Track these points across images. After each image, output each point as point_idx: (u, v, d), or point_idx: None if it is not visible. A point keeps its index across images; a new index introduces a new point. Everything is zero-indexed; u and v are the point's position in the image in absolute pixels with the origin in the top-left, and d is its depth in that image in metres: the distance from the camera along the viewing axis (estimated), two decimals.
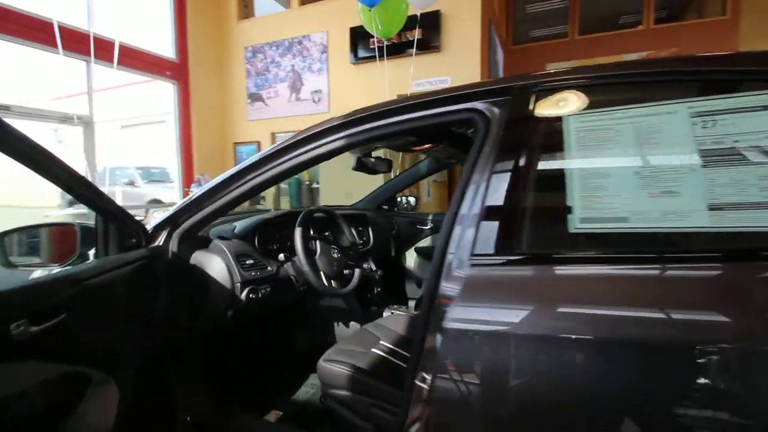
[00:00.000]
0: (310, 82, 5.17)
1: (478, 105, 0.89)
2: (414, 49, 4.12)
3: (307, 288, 1.49)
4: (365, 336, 1.43)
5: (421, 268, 2.37)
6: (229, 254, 1.27)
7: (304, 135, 1.10)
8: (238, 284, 1.25)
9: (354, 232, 1.78)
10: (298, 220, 1.47)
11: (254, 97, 5.55)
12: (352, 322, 1.84)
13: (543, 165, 0.81)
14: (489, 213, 0.77)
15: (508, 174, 0.79)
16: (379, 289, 1.90)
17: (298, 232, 1.43)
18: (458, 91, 0.93)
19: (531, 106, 0.82)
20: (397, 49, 4.43)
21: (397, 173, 2.43)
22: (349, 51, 4.85)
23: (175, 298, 1.15)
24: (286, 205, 5.20)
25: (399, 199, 2.49)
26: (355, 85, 4.87)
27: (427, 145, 1.57)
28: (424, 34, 4.34)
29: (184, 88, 5.28)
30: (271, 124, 5.45)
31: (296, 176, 4.98)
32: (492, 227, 0.77)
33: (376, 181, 4.95)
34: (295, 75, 5.26)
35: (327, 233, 1.65)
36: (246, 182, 1.14)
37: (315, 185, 4.89)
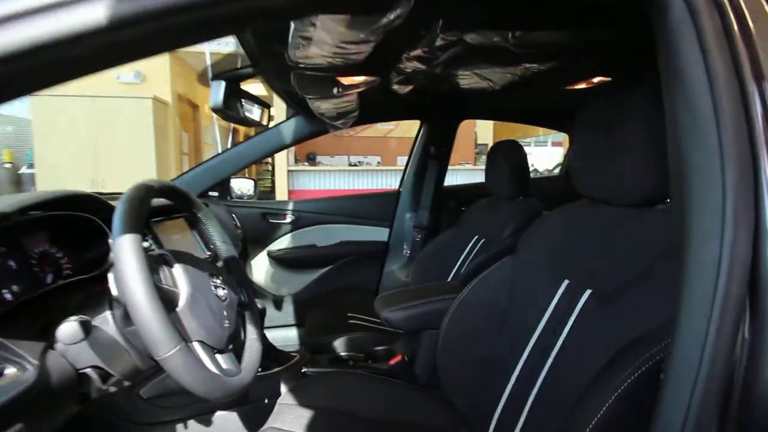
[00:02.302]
0: None
1: None
2: None
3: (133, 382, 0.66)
4: None
5: (275, 280, 1.68)
6: None
7: None
8: None
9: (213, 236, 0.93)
10: (118, 215, 0.54)
11: None
12: (219, 413, 1.01)
13: None
14: None
15: None
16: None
17: (128, 250, 0.51)
18: None
19: None
20: None
21: (228, 145, 1.63)
22: None
23: None
24: None
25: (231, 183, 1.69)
26: None
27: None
28: None
29: None
30: None
31: None
32: None
33: (134, 163, 3.68)
34: None
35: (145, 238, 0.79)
36: None
37: (25, 170, 3.14)
